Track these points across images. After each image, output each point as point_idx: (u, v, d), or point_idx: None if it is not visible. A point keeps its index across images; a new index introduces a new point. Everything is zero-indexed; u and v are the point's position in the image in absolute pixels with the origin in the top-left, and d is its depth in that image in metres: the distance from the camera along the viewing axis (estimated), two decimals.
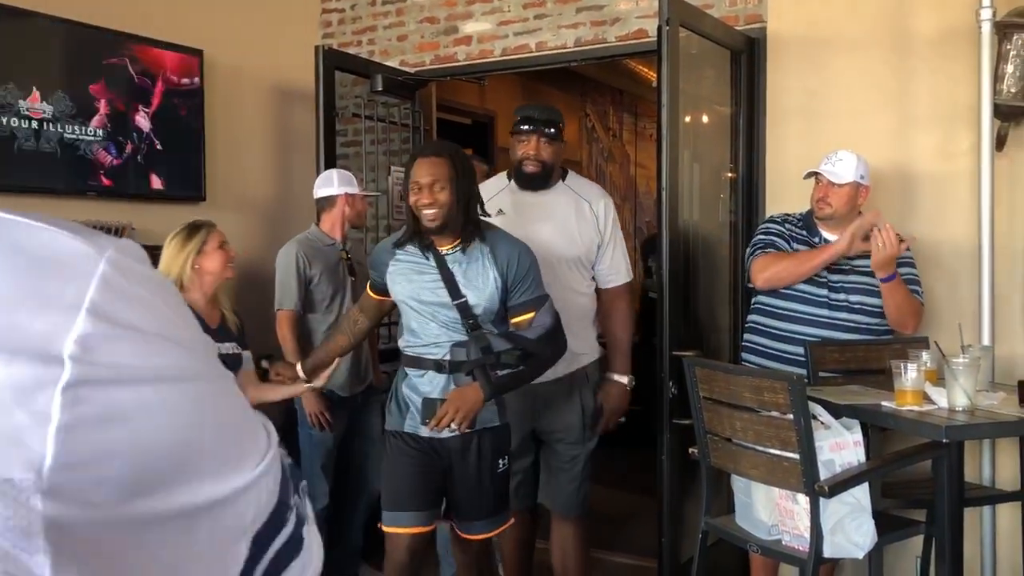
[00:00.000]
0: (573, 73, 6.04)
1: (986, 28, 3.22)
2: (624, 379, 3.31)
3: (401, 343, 2.79)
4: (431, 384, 2.67)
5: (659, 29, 3.26)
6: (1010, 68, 3.26)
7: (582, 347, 3.21)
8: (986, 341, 3.25)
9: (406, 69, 4.49)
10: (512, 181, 3.33)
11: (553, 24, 4.20)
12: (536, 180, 3.26)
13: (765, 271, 3.16)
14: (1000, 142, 3.34)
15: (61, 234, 0.39)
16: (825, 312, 3.16)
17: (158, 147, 3.98)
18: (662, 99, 3.25)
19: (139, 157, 3.92)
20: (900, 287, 3.05)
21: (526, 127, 3.24)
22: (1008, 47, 3.25)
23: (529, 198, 3.28)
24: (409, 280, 2.69)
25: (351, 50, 4.61)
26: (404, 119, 4.53)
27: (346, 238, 3.72)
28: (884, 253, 2.94)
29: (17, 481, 0.35)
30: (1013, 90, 3.27)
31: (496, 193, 3.29)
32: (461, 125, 5.98)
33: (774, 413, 2.43)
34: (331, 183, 3.68)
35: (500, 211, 3.19)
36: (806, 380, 2.99)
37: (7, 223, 0.39)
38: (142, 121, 3.93)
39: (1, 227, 0.39)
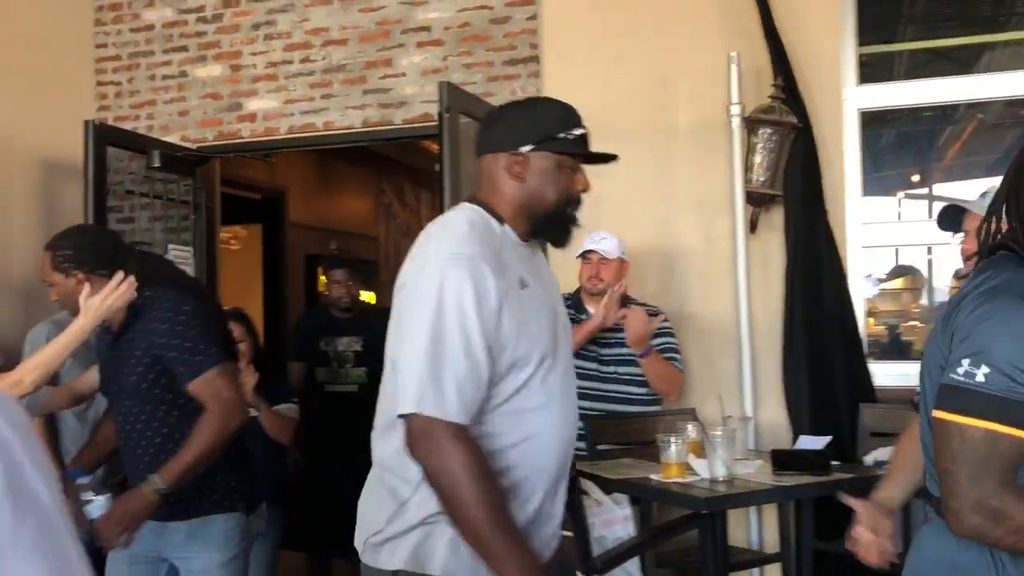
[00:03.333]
0: (367, 151, 6.08)
1: (736, 123, 3.54)
2: None
3: None
4: None
5: (440, 116, 3.35)
6: (758, 159, 3.58)
7: None
8: (748, 410, 3.49)
9: (187, 145, 4.35)
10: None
11: (340, 104, 4.22)
12: None
13: None
14: (753, 225, 3.64)
15: None
16: (597, 384, 3.30)
17: None
18: (444, 182, 3.32)
19: None
20: (657, 360, 3.26)
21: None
22: (755, 140, 3.57)
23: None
24: None
25: (129, 124, 4.42)
26: (184, 195, 4.37)
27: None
28: (637, 331, 3.15)
29: None
30: (762, 178, 3.59)
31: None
32: (250, 200, 5.85)
33: None
34: None
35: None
36: (584, 450, 3.11)
37: None
38: None
39: None
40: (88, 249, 2.38)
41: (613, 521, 2.49)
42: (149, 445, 2.35)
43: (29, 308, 4.07)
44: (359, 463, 1.85)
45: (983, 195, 2.02)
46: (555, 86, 3.87)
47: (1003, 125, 5.85)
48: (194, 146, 4.37)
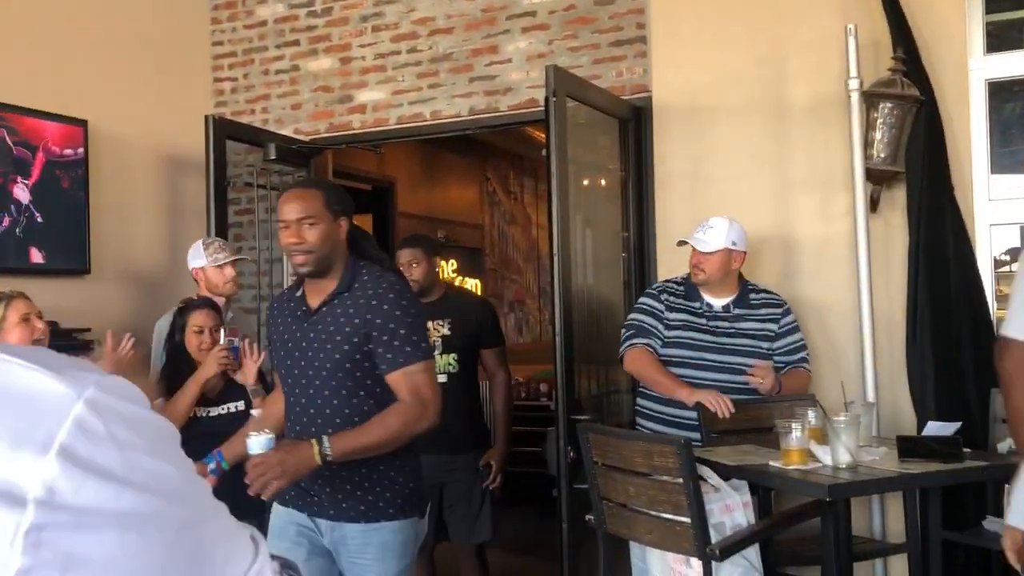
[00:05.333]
0: (472, 139, 6.13)
1: (855, 97, 3.40)
2: None
3: None
4: None
5: (546, 100, 3.33)
6: (878, 135, 3.44)
7: None
8: (870, 397, 3.36)
9: (300, 137, 4.47)
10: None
11: (447, 93, 4.26)
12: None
13: (631, 367, 3.30)
14: (874, 204, 3.50)
15: (39, 372, 0.40)
16: (712, 375, 3.22)
17: (38, 219, 3.84)
18: (552, 167, 3.31)
19: (17, 230, 3.77)
20: (788, 379, 3.19)
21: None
22: (875, 115, 3.43)
23: None
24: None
25: (244, 119, 4.57)
26: None
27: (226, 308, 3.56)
28: (765, 388, 3.10)
29: None
30: (883, 155, 3.44)
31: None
32: (360, 191, 5.97)
33: (665, 477, 2.44)
34: (193, 255, 3.56)
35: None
36: (699, 442, 3.05)
37: None
38: (20, 193, 3.79)
39: None
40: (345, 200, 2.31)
41: (732, 507, 2.44)
42: (336, 432, 2.13)
43: (156, 297, 4.27)
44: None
45: None
46: (664, 66, 3.82)
47: None
48: (307, 138, 4.48)
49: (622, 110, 3.89)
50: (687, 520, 2.37)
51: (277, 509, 2.32)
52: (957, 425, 2.86)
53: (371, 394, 2.17)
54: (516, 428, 5.79)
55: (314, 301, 2.25)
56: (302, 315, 2.26)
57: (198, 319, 3.13)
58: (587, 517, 2.82)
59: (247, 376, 3.11)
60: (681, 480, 2.38)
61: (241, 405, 3.13)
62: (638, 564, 2.65)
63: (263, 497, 2.07)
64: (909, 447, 2.64)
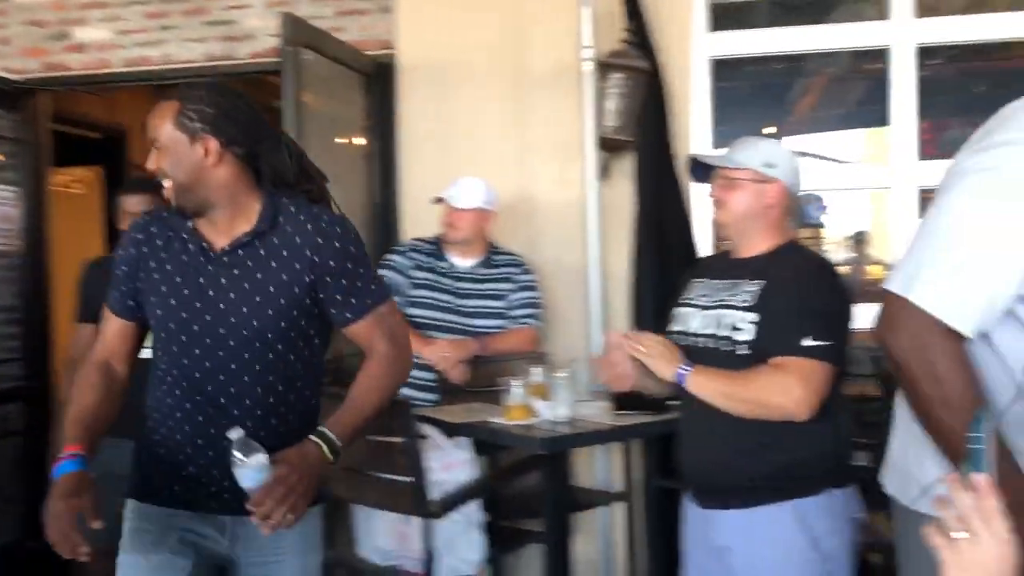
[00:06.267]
0: None
1: (588, 67, 3.51)
2: None
3: None
4: None
5: (280, 50, 3.18)
6: (610, 104, 3.56)
7: None
8: (596, 353, 3.52)
9: (8, 76, 4.01)
10: None
11: (179, 36, 3.97)
12: None
13: None
14: (605, 171, 3.64)
15: None
16: (454, 337, 3.24)
17: None
18: (286, 121, 3.17)
19: None
20: (513, 336, 3.26)
21: None
22: (608, 85, 3.55)
23: None
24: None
25: None
26: (7, 131, 4.03)
27: None
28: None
29: None
30: (614, 124, 3.58)
31: None
32: (88, 139, 5.48)
33: (386, 439, 2.42)
34: None
35: None
36: (437, 401, 3.08)
37: None
38: None
39: None
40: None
41: (454, 465, 2.47)
42: (288, 410, 1.74)
43: None
44: None
45: (732, 148, 2.11)
46: (409, 23, 3.76)
47: (851, 78, 6.07)
48: (18, 77, 4.03)
49: (366, 66, 3.80)
50: (408, 480, 2.37)
51: (137, 509, 1.77)
52: None
53: (299, 357, 1.75)
54: None
55: (218, 240, 1.74)
56: (201, 256, 1.74)
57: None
58: None
59: None
60: (403, 440, 2.37)
61: None
62: (362, 526, 2.62)
63: (285, 528, 1.58)
64: (624, 401, 2.78)
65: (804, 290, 1.94)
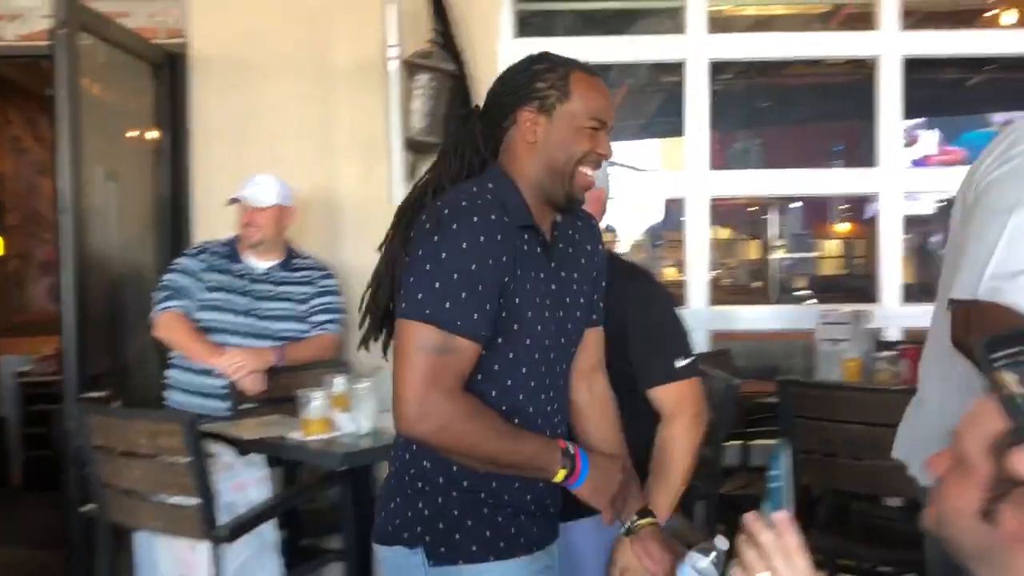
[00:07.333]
0: None
1: (394, 66, 3.42)
2: None
3: None
4: None
5: (52, 32, 2.90)
6: (417, 104, 3.50)
7: None
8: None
9: None
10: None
11: None
12: None
13: (161, 333, 3.06)
14: (412, 173, 3.57)
15: None
16: (251, 342, 3.07)
17: None
18: (58, 110, 2.89)
19: None
20: (312, 343, 3.13)
21: None
22: (414, 85, 3.48)
23: None
24: None
25: None
26: None
27: None
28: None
29: None
30: (420, 125, 3.51)
31: None
32: None
33: (172, 459, 2.24)
34: None
35: None
36: (228, 412, 2.89)
37: None
38: None
39: None
40: None
41: (246, 484, 2.31)
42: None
43: None
44: None
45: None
46: (202, 12, 3.54)
47: (649, 91, 6.33)
48: None
49: (154, 54, 3.54)
50: (194, 503, 2.20)
51: (517, 567, 1.51)
52: None
53: None
54: (35, 408, 5.11)
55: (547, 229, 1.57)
56: (542, 251, 1.53)
57: None
58: (87, 507, 2.52)
59: None
60: (187, 460, 2.20)
61: None
62: (143, 554, 2.41)
63: None
64: None
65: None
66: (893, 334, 3.62)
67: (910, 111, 3.86)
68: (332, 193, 3.62)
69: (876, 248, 3.86)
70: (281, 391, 3.01)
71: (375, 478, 3.04)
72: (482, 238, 1.39)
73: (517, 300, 1.45)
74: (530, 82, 1.52)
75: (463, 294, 1.38)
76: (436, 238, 1.39)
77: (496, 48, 3.64)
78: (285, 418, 2.77)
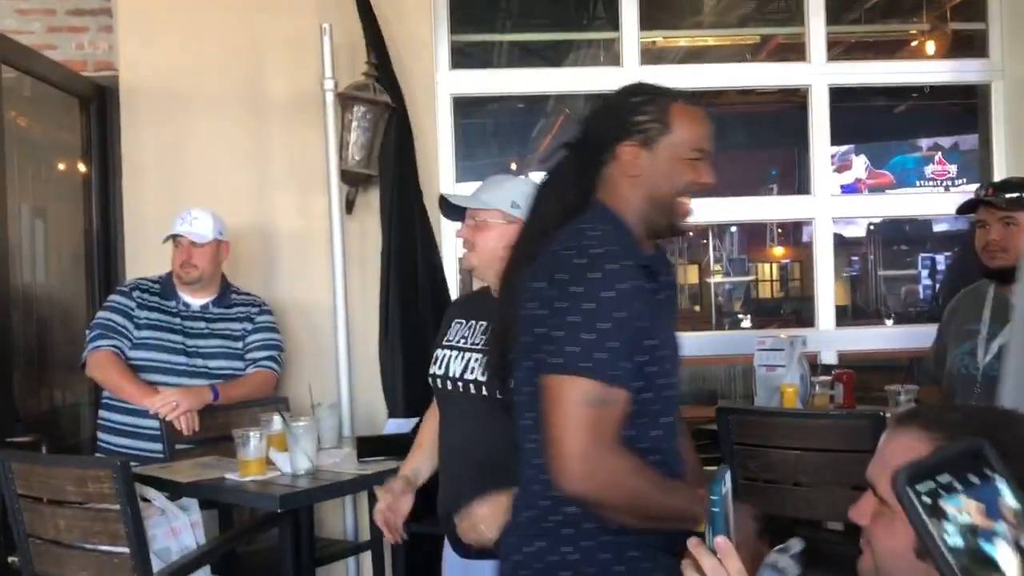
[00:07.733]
0: None
1: (329, 98, 3.40)
2: None
3: None
4: None
5: None
6: (353, 137, 3.47)
7: None
8: (344, 395, 3.38)
9: None
10: None
11: None
12: None
13: (93, 372, 2.98)
14: (349, 206, 3.54)
15: None
16: (186, 381, 3.00)
17: None
18: None
19: None
20: (249, 380, 3.07)
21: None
22: (350, 117, 3.46)
23: None
24: None
25: None
26: None
27: None
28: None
29: None
30: (357, 157, 3.48)
31: None
32: None
33: (101, 505, 2.16)
34: None
35: None
36: (161, 454, 2.81)
37: None
38: None
39: None
40: None
41: (179, 530, 2.24)
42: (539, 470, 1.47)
43: None
44: None
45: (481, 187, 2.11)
46: (132, 44, 3.47)
47: None
48: None
49: (82, 88, 3.46)
50: (125, 550, 2.12)
51: None
52: (415, 421, 2.97)
53: None
54: None
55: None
56: (652, 284, 1.55)
57: None
58: (10, 559, 2.41)
59: None
60: (118, 506, 2.12)
61: None
62: None
63: None
64: (368, 447, 2.68)
65: None
66: (829, 357, 3.68)
67: (841, 137, 3.98)
68: (268, 226, 3.57)
69: (813, 271, 3.93)
70: (217, 430, 2.94)
71: (318, 519, 2.99)
72: (622, 286, 1.38)
73: (656, 342, 1.44)
74: (630, 115, 1.52)
75: (614, 344, 1.36)
76: (579, 289, 1.37)
77: (433, 79, 3.65)
78: (221, 459, 2.71)
